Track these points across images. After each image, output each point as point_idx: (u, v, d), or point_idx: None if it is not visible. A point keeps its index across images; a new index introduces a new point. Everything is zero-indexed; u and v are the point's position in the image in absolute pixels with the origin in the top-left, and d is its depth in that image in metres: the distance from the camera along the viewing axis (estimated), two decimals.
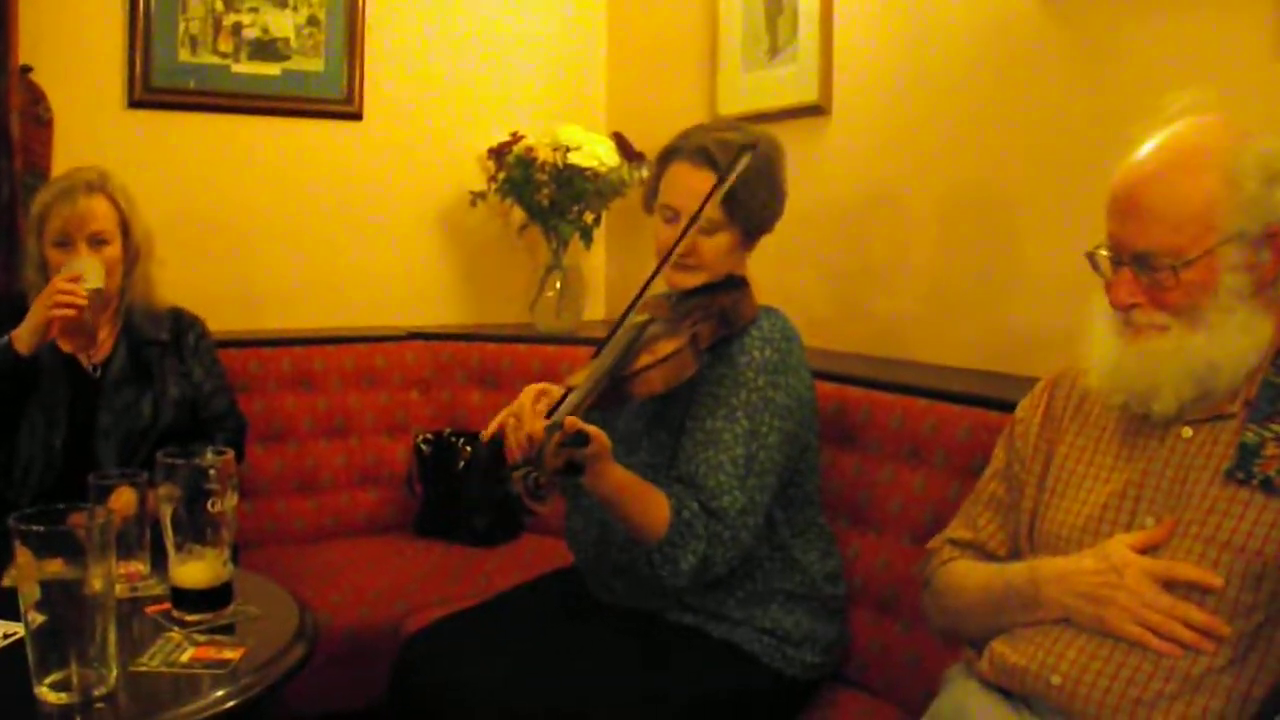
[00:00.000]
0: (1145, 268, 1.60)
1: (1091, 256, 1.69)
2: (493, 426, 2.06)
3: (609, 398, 2.01)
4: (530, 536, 3.37)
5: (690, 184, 2.21)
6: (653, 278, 2.16)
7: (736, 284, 2.24)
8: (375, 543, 3.32)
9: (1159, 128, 1.64)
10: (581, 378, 2.05)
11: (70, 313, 2.47)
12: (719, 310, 2.15)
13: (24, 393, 2.57)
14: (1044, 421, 1.84)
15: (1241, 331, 1.58)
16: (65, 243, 2.63)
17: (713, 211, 2.18)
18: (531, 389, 2.06)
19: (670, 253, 2.17)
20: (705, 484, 2.08)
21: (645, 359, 2.03)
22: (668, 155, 2.30)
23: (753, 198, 2.21)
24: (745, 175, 2.16)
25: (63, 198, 2.64)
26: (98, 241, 2.65)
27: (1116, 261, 1.64)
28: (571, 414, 1.85)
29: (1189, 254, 1.56)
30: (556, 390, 2.09)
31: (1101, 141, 1.69)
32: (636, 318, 2.15)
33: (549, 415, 1.92)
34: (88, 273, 2.53)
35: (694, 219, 2.15)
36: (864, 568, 2.41)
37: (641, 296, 2.15)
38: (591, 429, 1.87)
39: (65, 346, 2.66)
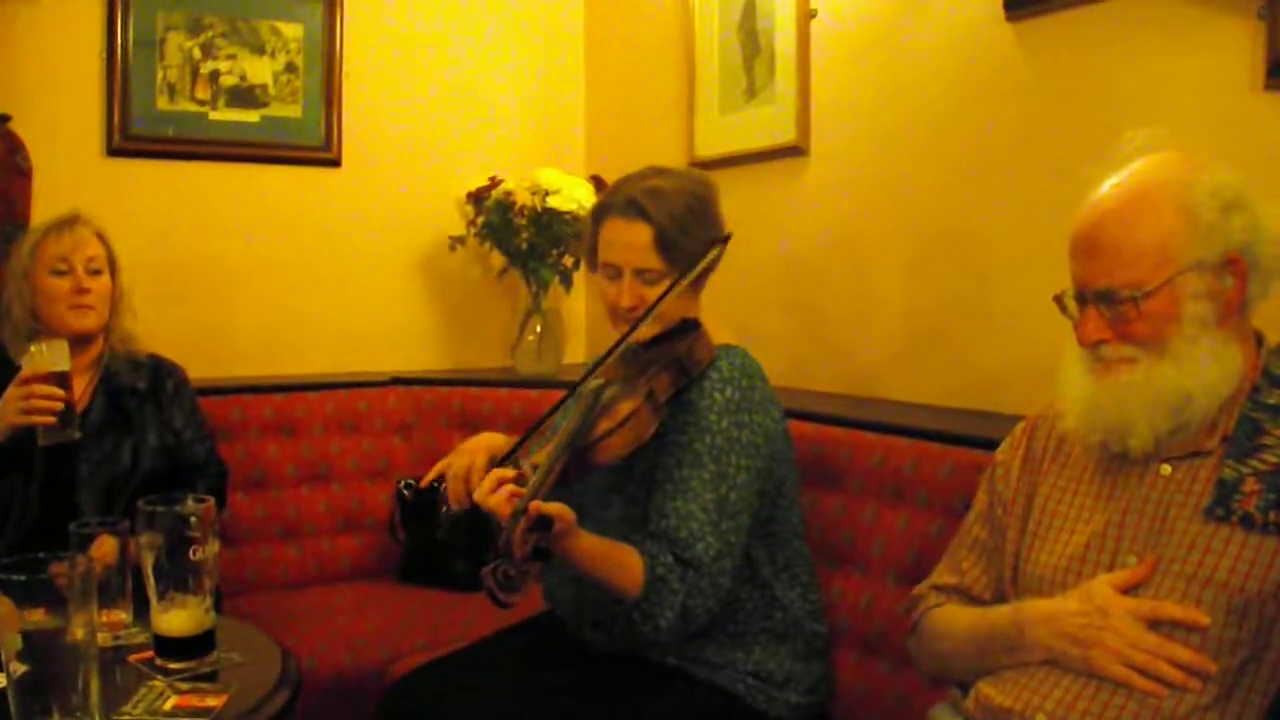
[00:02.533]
0: (1109, 303, 1.62)
1: (1059, 300, 1.72)
2: (433, 473, 2.12)
3: (573, 470, 1.96)
4: None
5: (625, 238, 2.20)
6: (619, 345, 2.14)
7: (691, 328, 2.20)
8: (358, 589, 3.31)
9: (1115, 167, 1.67)
10: (543, 455, 2.00)
11: (50, 419, 2.38)
12: (674, 358, 2.10)
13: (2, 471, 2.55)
14: (1024, 463, 1.85)
15: (1210, 359, 1.59)
16: (64, 270, 2.63)
17: (653, 261, 2.19)
18: (475, 448, 2.11)
19: (643, 317, 2.14)
20: (678, 535, 2.06)
21: (604, 424, 1.97)
22: (600, 213, 2.29)
23: (689, 239, 2.19)
24: (679, 219, 2.17)
25: (58, 228, 2.67)
26: (93, 271, 2.66)
27: (1081, 300, 1.67)
28: (534, 496, 1.82)
29: (1149, 285, 1.58)
30: (502, 440, 2.11)
31: (1077, 181, 1.72)
32: (592, 383, 2.10)
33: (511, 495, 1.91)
34: (52, 356, 2.40)
35: (649, 309, 2.14)
36: (848, 607, 2.41)
37: (603, 362, 2.12)
38: (554, 509, 1.84)
39: (44, 442, 2.44)
